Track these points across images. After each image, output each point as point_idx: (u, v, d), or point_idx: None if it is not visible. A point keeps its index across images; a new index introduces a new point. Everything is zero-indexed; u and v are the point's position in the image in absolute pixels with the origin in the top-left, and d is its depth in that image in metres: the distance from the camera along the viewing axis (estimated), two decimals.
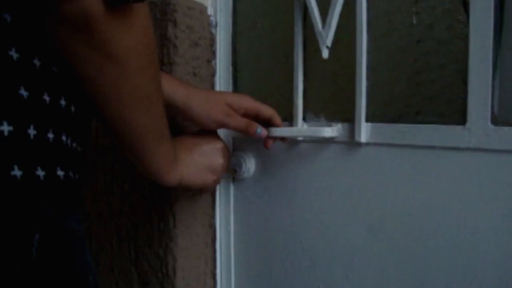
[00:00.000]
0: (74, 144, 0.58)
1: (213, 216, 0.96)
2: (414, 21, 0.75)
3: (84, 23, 0.49)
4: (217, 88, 0.94)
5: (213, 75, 0.93)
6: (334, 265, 0.84)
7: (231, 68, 0.94)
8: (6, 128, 0.50)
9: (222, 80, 0.95)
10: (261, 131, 0.80)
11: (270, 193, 0.91)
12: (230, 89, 0.94)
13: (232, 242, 0.96)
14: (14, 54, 0.50)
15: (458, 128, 0.71)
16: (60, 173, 0.55)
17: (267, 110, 0.81)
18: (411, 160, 0.75)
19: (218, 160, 0.80)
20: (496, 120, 0.69)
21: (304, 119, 0.86)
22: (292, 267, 0.89)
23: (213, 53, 0.92)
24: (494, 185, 0.69)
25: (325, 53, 0.80)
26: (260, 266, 0.94)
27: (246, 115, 0.80)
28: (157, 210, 0.93)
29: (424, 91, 0.75)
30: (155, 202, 0.93)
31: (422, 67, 0.75)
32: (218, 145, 0.81)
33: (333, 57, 0.80)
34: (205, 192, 0.93)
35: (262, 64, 0.92)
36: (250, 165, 0.92)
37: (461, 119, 0.71)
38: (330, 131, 0.81)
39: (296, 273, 0.89)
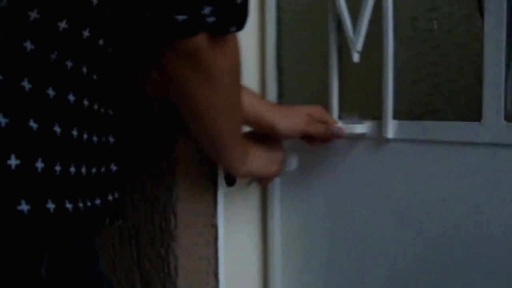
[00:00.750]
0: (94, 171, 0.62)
1: (214, 215, 0.98)
2: (435, 27, 0.82)
3: (194, 53, 0.60)
4: (266, 88, 1.04)
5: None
6: (365, 252, 0.92)
7: (276, 72, 1.04)
8: (13, 162, 0.52)
9: (269, 81, 1.05)
10: (337, 130, 0.89)
11: (310, 186, 1.00)
12: (275, 90, 1.04)
13: (280, 235, 1.05)
14: (26, 84, 0.54)
15: (474, 124, 0.77)
16: (68, 205, 0.57)
17: (334, 121, 0.92)
18: (432, 154, 0.82)
19: (278, 153, 0.93)
20: (509, 117, 0.75)
21: (340, 117, 0.94)
22: (331, 253, 0.98)
23: None
24: (508, 178, 0.75)
25: (356, 57, 0.88)
26: (302, 255, 1.03)
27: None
28: (159, 210, 0.94)
29: (444, 91, 0.82)
30: (157, 202, 0.95)
31: (442, 69, 0.82)
32: (277, 141, 0.93)
33: (364, 61, 0.89)
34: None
35: (303, 68, 1.01)
36: (293, 160, 1.02)
37: (476, 116, 0.77)
38: (361, 128, 0.89)
39: (333, 260, 0.97)
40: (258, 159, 0.89)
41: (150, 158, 0.95)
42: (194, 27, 0.57)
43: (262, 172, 0.91)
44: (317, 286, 1.01)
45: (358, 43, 0.88)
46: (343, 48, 0.92)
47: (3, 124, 0.51)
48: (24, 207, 0.52)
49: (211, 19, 0.56)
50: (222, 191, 0.97)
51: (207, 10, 0.55)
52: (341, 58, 0.93)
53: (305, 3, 1.00)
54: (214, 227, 0.97)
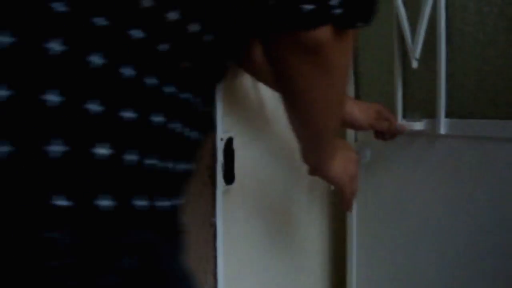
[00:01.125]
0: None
1: (213, 214, 0.97)
2: (481, 37, 0.94)
3: (316, 47, 0.55)
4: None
5: None
6: (422, 235, 1.05)
7: (353, 76, 1.19)
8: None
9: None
10: (399, 127, 1.03)
11: (381, 176, 1.15)
12: (353, 92, 1.20)
13: (356, 224, 1.20)
14: (128, 71, 0.50)
15: None
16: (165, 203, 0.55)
17: (395, 119, 1.05)
18: (479, 148, 0.94)
19: (351, 167, 0.98)
20: None
21: (404, 116, 1.08)
22: (400, 237, 1.12)
23: None
24: None
25: (415, 64, 1.02)
26: (376, 244, 1.17)
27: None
28: None
29: (489, 92, 0.93)
30: None
31: (487, 73, 0.93)
32: (353, 155, 1.00)
33: (422, 67, 1.02)
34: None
35: (374, 73, 1.16)
36: (367, 153, 1.17)
37: None
38: (419, 125, 1.03)
39: (395, 246, 1.11)
40: (338, 164, 0.93)
41: None
42: (320, 19, 0.52)
43: (336, 177, 0.93)
44: (385, 273, 1.16)
45: (417, 51, 1.01)
46: (406, 57, 1.06)
47: (94, 113, 0.48)
48: (105, 202, 0.48)
49: (338, 11, 0.52)
50: (221, 190, 0.97)
51: (335, 1, 0.52)
52: (404, 65, 1.07)
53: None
54: (213, 226, 0.96)
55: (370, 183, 1.17)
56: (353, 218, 1.21)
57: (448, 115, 0.99)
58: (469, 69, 0.96)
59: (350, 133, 1.19)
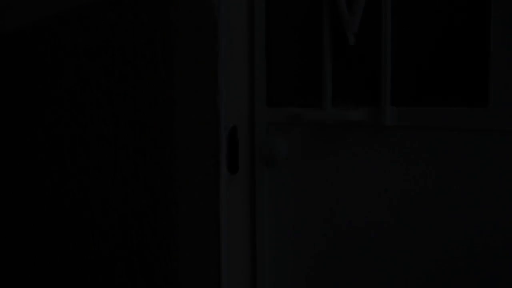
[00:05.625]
0: None
1: (216, 204, 0.94)
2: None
3: None
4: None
5: None
6: (357, 241, 0.88)
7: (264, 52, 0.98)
8: None
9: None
10: None
11: (302, 176, 0.95)
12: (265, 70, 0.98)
13: (267, 224, 1.01)
14: None
15: (479, 110, 0.73)
16: None
17: None
18: (434, 141, 0.78)
19: None
20: None
21: (333, 104, 0.89)
22: (324, 246, 0.94)
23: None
24: None
25: (352, 40, 0.83)
26: (295, 249, 0.99)
27: None
28: (160, 199, 0.93)
29: (448, 75, 0.77)
30: (158, 191, 0.93)
31: (445, 53, 0.77)
32: None
33: (360, 44, 0.84)
34: None
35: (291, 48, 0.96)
36: (283, 148, 0.96)
37: (483, 101, 0.73)
38: (357, 114, 0.84)
39: (326, 249, 0.93)
40: None
41: (152, 147, 0.93)
42: None
43: None
44: (310, 278, 0.97)
45: (354, 24, 0.82)
46: (338, 30, 0.87)
47: None
48: None
49: None
50: (224, 179, 0.94)
51: None
52: (336, 41, 0.88)
53: None
54: (216, 216, 0.94)
55: (288, 184, 0.97)
56: (265, 226, 1.01)
57: (395, 102, 0.82)
58: (423, 47, 0.80)
59: (263, 123, 0.98)
